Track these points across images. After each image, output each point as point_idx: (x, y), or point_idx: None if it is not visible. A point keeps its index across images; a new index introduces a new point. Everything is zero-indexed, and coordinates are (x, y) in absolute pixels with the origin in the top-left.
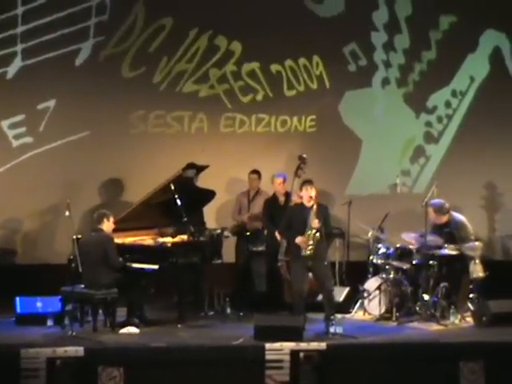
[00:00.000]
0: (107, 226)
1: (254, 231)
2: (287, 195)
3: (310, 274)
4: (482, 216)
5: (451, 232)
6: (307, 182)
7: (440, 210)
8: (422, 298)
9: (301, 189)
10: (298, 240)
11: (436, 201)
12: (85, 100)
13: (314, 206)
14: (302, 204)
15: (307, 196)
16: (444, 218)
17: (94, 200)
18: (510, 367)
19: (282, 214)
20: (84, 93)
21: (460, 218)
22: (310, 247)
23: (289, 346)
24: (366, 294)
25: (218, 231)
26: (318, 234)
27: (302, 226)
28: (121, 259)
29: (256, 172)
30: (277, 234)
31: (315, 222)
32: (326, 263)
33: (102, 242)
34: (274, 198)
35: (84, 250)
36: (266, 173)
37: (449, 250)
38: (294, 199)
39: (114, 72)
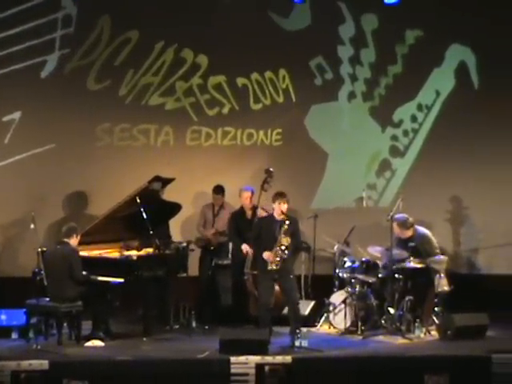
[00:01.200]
0: (74, 240)
1: (218, 245)
2: (254, 209)
3: (277, 287)
4: (447, 230)
5: (416, 246)
6: (281, 196)
7: (403, 224)
8: (388, 311)
9: (273, 201)
10: (266, 255)
11: (399, 216)
12: (50, 112)
13: (286, 222)
14: (272, 216)
15: (279, 210)
16: (408, 233)
17: (59, 213)
18: (474, 380)
19: (248, 228)
20: (49, 105)
21: (424, 231)
22: (277, 263)
23: (254, 359)
24: (331, 308)
25: (184, 244)
26: (286, 251)
27: (271, 239)
28: (85, 272)
29: (219, 191)
30: (243, 247)
31: (285, 240)
32: (291, 276)
33: (67, 254)
34: (241, 211)
35: (49, 263)
36: (232, 186)
37: (414, 264)
38: (260, 213)
39: (80, 85)
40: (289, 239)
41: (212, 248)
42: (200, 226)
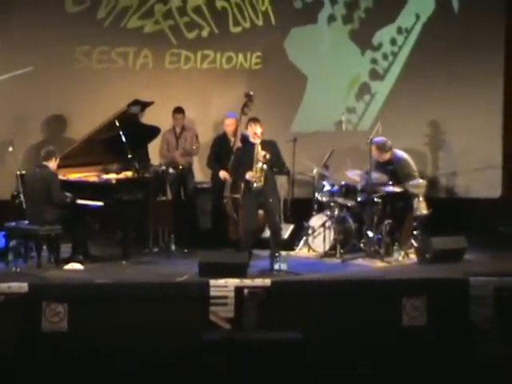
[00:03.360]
0: (53, 164)
1: (185, 166)
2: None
3: (260, 211)
4: (425, 154)
5: (395, 169)
6: (252, 120)
7: (382, 147)
8: (366, 234)
9: (246, 127)
10: (248, 175)
11: (378, 138)
12: (28, 34)
13: (258, 142)
14: (248, 144)
15: (252, 133)
16: (386, 156)
17: (37, 136)
18: (452, 303)
19: (229, 155)
20: (27, 27)
21: (402, 155)
22: (261, 179)
23: (233, 282)
24: (310, 231)
25: (163, 168)
26: (265, 166)
27: (251, 163)
28: (69, 194)
29: (180, 111)
30: (221, 174)
31: (262, 155)
32: (271, 200)
33: (46, 178)
34: (224, 137)
35: (28, 186)
36: (212, 109)
37: (393, 188)
38: (238, 140)
39: (58, 6)
40: (267, 156)
41: (181, 167)
42: (163, 150)
